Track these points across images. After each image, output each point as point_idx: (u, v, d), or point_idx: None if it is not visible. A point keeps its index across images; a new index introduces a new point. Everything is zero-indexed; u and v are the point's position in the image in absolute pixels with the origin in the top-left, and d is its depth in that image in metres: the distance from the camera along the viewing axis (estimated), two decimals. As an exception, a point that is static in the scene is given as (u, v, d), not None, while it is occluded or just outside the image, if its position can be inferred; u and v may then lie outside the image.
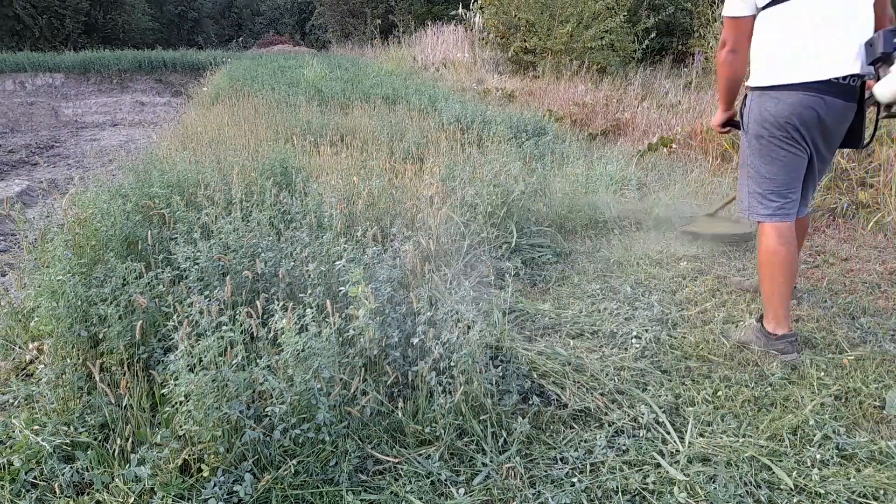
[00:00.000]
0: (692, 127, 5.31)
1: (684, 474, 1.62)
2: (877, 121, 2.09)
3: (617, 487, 1.58)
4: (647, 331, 2.36)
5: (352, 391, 1.71)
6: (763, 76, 2.06)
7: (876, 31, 1.94)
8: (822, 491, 1.56)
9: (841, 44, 1.94)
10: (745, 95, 2.17)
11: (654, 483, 1.60)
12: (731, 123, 2.45)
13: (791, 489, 1.57)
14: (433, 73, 11.13)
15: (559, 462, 1.70)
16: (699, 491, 1.57)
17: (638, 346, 2.27)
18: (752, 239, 3.25)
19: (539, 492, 1.58)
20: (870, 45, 1.90)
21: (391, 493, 1.56)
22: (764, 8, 2.02)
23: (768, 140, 2.09)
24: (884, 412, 1.89)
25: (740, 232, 3.31)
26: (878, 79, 1.89)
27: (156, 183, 3.04)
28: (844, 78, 1.95)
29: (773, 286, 2.15)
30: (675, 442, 1.75)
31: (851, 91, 1.99)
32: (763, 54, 2.06)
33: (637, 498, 1.56)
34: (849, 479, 1.60)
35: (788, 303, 2.18)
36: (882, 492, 1.56)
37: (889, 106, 1.95)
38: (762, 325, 2.23)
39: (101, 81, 16.61)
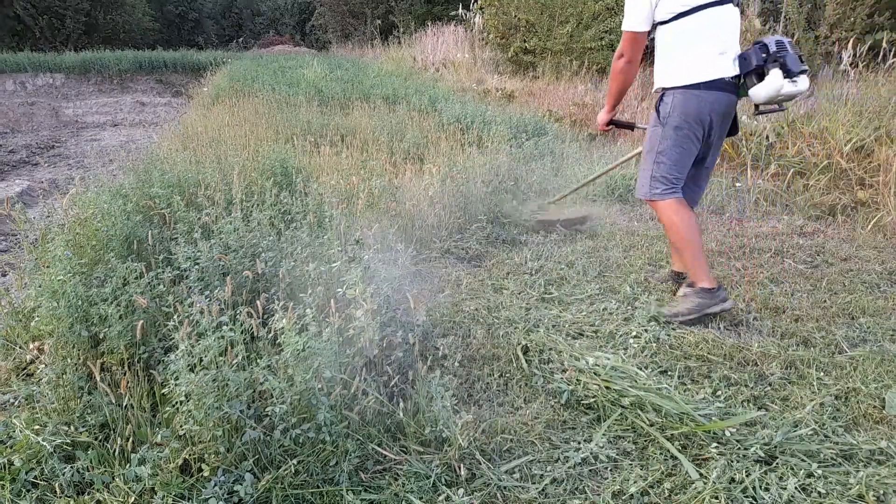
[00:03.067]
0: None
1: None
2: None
3: (620, 488, 1.59)
4: (646, 331, 2.36)
5: (352, 391, 1.71)
6: (684, 76, 2.35)
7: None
8: (823, 490, 1.56)
9: (731, 49, 2.35)
10: (663, 93, 2.43)
11: (657, 483, 1.60)
12: (613, 123, 2.87)
13: (792, 489, 1.57)
14: (433, 73, 11.13)
15: (560, 461, 1.70)
16: (699, 490, 1.56)
17: (637, 345, 2.27)
18: (586, 221, 3.75)
19: (542, 491, 1.58)
20: (744, 58, 2.31)
21: (391, 493, 1.56)
22: (669, 21, 2.33)
23: (686, 132, 2.39)
24: (884, 412, 1.89)
25: (579, 216, 3.76)
26: (745, 85, 2.34)
27: (156, 183, 3.05)
28: (732, 77, 2.35)
29: (691, 247, 2.45)
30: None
31: (735, 88, 2.38)
32: (682, 58, 2.35)
33: (644, 498, 1.57)
34: (849, 478, 1.60)
35: (705, 258, 2.50)
36: (882, 492, 1.56)
37: (757, 106, 2.39)
38: (699, 287, 2.46)
39: (101, 82, 16.62)
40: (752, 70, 2.28)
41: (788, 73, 2.22)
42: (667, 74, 2.40)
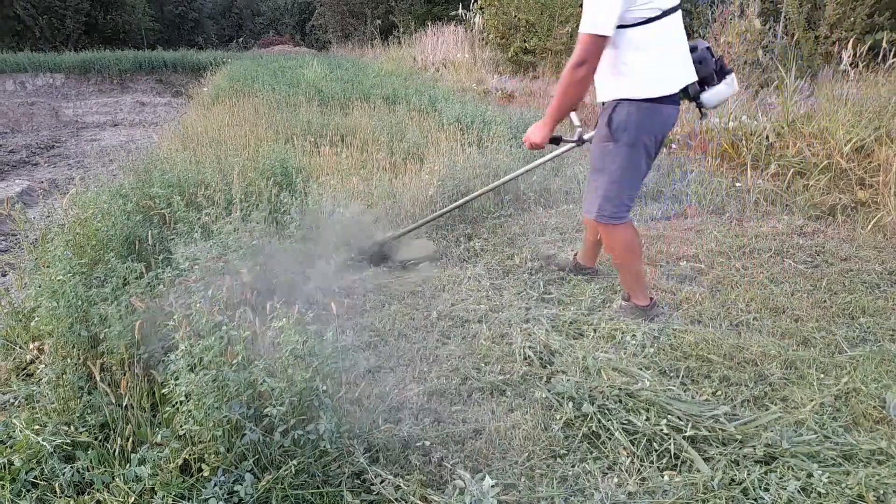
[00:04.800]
0: (692, 127, 5.31)
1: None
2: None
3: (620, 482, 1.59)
4: (645, 331, 2.36)
5: (356, 394, 1.71)
6: (648, 89, 2.14)
7: None
8: (823, 491, 1.56)
9: (684, 59, 2.21)
10: (616, 104, 2.19)
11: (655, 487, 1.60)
12: (553, 140, 2.44)
13: (792, 489, 1.58)
14: (433, 73, 11.13)
15: (558, 458, 1.70)
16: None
17: (636, 345, 2.27)
18: (427, 260, 3.16)
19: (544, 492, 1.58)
20: (699, 62, 2.24)
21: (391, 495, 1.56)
22: (634, 25, 2.07)
23: (640, 148, 2.21)
24: (884, 412, 1.89)
25: (421, 254, 3.20)
26: (692, 91, 2.25)
27: (156, 183, 3.05)
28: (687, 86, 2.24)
29: (635, 270, 2.44)
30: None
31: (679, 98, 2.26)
32: (644, 68, 2.13)
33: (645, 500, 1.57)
34: (849, 479, 1.60)
35: (644, 277, 2.51)
36: (882, 492, 1.56)
37: (704, 111, 2.36)
38: (634, 303, 2.50)
39: (101, 82, 16.62)
40: (709, 74, 2.25)
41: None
42: (626, 85, 2.15)
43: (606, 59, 2.15)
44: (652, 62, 2.12)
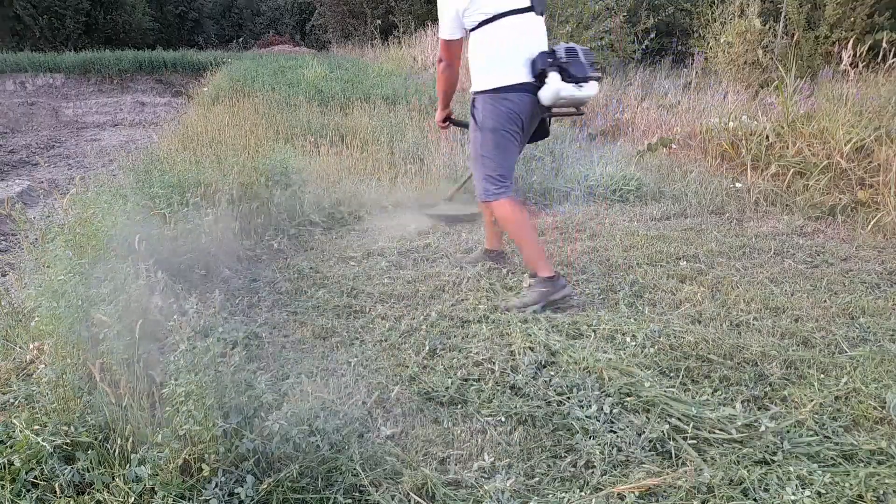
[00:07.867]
0: (692, 127, 5.31)
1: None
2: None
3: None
4: (645, 332, 2.36)
5: (355, 396, 1.71)
6: (492, 81, 2.47)
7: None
8: (823, 491, 1.56)
9: (525, 55, 2.45)
10: (475, 98, 2.55)
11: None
12: (449, 120, 2.96)
13: (793, 489, 1.57)
14: (433, 73, 11.12)
15: (558, 459, 1.70)
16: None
17: (635, 345, 2.27)
18: (476, 218, 3.75)
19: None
20: (532, 63, 2.45)
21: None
22: (475, 28, 2.45)
23: (502, 133, 2.51)
24: (884, 412, 1.89)
25: (469, 212, 3.84)
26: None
27: (156, 183, 3.04)
28: (535, 81, 2.46)
29: (529, 242, 2.59)
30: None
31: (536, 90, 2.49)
32: (488, 63, 2.47)
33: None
34: (849, 479, 1.60)
35: (543, 249, 2.63)
36: (882, 492, 1.56)
37: (549, 108, 2.53)
38: (540, 277, 2.58)
39: (101, 82, 16.61)
40: (538, 74, 2.44)
41: (572, 78, 2.40)
42: (477, 80, 2.52)
43: (468, 58, 2.56)
44: (490, 58, 2.46)
